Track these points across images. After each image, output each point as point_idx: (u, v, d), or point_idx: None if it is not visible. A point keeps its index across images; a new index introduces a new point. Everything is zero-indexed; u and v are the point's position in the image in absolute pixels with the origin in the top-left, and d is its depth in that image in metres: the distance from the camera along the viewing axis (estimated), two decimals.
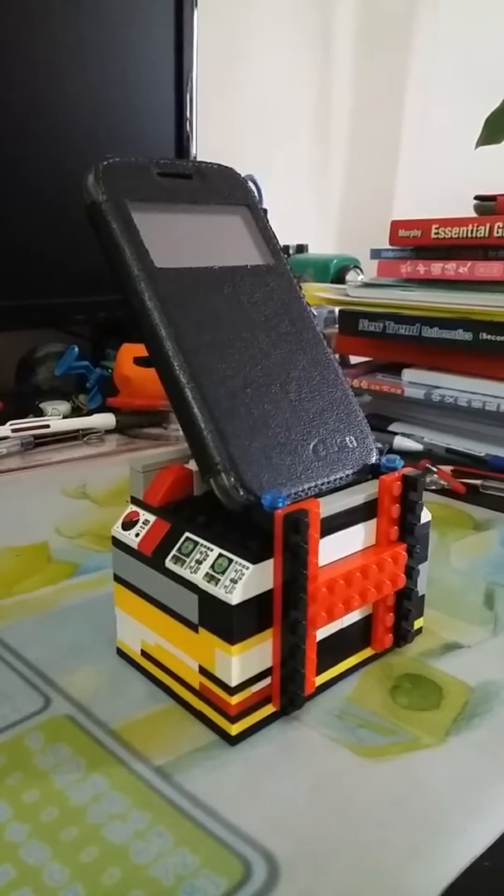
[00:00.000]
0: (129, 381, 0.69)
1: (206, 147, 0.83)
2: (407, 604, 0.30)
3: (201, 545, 0.26)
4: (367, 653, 0.30)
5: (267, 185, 0.90)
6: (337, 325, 0.72)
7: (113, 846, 0.21)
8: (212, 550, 0.25)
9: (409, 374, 0.64)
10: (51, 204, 0.71)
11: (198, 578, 0.25)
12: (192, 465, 0.29)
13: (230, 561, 0.25)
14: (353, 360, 0.76)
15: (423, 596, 0.32)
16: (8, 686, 0.29)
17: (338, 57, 1.14)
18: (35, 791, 0.23)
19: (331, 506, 0.27)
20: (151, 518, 0.28)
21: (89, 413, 0.69)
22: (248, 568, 0.24)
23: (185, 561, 0.26)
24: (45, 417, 0.65)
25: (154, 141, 0.78)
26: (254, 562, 0.24)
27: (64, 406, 0.70)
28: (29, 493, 0.52)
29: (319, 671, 0.27)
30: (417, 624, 0.32)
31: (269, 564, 0.25)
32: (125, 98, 0.75)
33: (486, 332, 0.58)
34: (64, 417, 0.66)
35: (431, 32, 1.15)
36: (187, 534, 0.27)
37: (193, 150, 0.81)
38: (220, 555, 0.25)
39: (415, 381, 0.64)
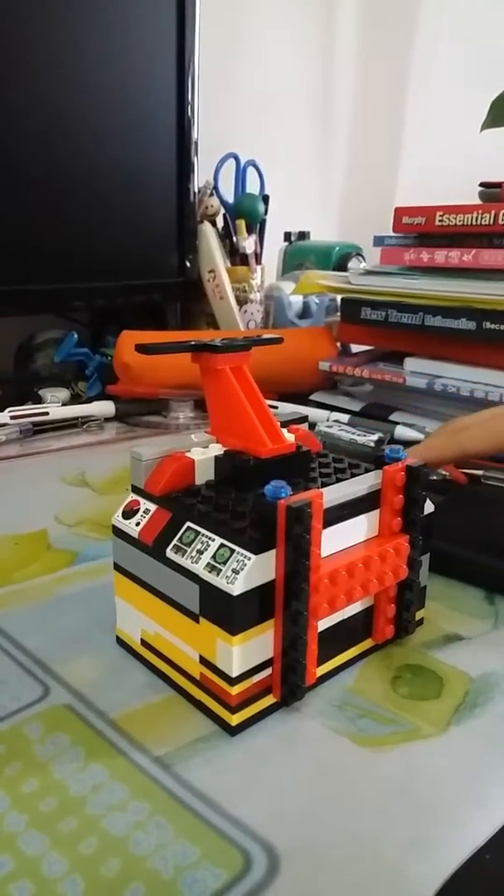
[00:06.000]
0: (129, 369, 0.69)
1: (208, 132, 0.82)
2: (409, 595, 0.30)
3: (203, 535, 0.26)
4: (367, 644, 0.30)
5: (268, 171, 0.89)
6: (338, 314, 0.71)
7: (112, 837, 0.21)
8: (213, 540, 0.25)
9: (411, 364, 0.64)
10: (51, 188, 0.71)
11: (199, 568, 0.25)
12: (194, 454, 0.29)
13: (232, 551, 0.24)
14: (355, 348, 0.75)
15: (425, 587, 0.32)
16: (6, 674, 0.28)
17: (340, 42, 1.13)
18: (34, 781, 0.23)
19: (334, 496, 0.26)
20: (152, 507, 0.28)
21: (88, 400, 0.69)
22: (249, 558, 0.24)
23: (186, 551, 0.26)
24: (44, 404, 0.65)
25: (156, 126, 0.77)
26: (256, 552, 0.24)
27: (63, 393, 0.70)
28: (28, 481, 0.51)
29: (320, 662, 0.27)
30: (419, 615, 0.32)
31: (271, 555, 0.24)
32: (127, 83, 0.74)
33: (490, 321, 0.57)
34: (63, 405, 0.66)
35: (435, 16, 1.13)
36: (188, 523, 0.26)
37: (195, 136, 0.80)
38: (222, 545, 0.25)
39: (417, 370, 0.63)
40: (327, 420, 0.62)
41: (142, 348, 0.29)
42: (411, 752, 0.25)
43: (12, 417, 0.61)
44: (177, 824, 0.21)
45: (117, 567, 0.29)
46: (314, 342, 0.72)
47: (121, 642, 0.30)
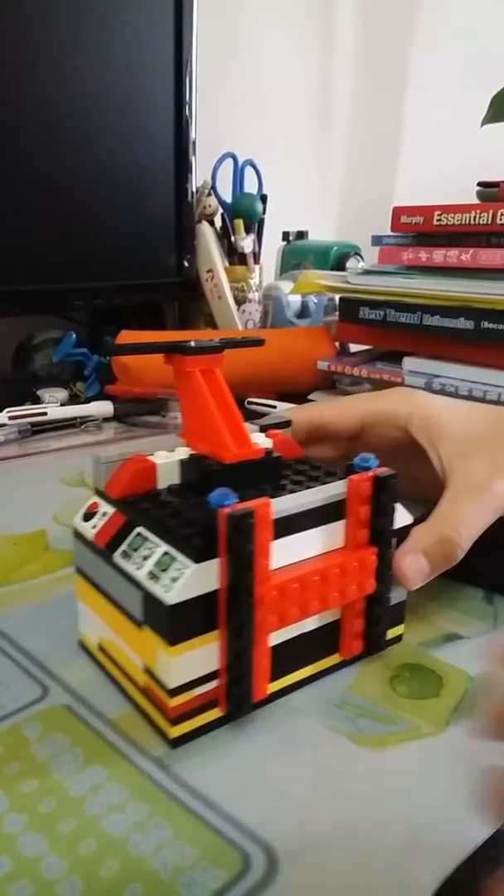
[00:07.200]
0: (128, 369, 0.68)
1: (206, 132, 0.82)
2: (377, 610, 0.28)
3: (150, 541, 0.25)
4: (334, 659, 0.28)
5: (266, 170, 0.89)
6: (337, 313, 0.71)
7: (111, 838, 0.21)
8: (159, 547, 0.24)
9: (409, 363, 0.64)
10: (49, 188, 0.70)
11: (141, 575, 0.24)
12: (156, 458, 0.28)
13: (173, 559, 0.24)
14: (353, 348, 0.75)
15: (404, 602, 0.30)
16: (5, 675, 0.28)
17: (339, 41, 1.12)
18: (33, 781, 0.23)
19: (285, 505, 0.25)
20: (110, 510, 0.27)
21: (87, 400, 0.69)
22: (188, 567, 0.23)
23: (131, 556, 0.25)
24: (43, 405, 0.65)
25: (153, 126, 0.77)
26: (196, 561, 0.23)
27: (61, 393, 0.70)
28: (26, 481, 0.51)
29: (276, 676, 0.26)
30: (396, 632, 0.30)
31: (213, 564, 0.23)
32: (124, 82, 0.73)
33: (488, 320, 0.57)
34: (61, 405, 0.66)
35: (435, 15, 1.13)
36: (139, 528, 0.25)
37: (193, 135, 0.80)
38: (165, 552, 0.24)
39: (415, 369, 0.63)
40: None
41: (116, 349, 0.28)
42: (410, 751, 0.25)
43: (11, 418, 0.61)
44: (175, 825, 0.21)
45: (78, 570, 0.28)
46: (312, 342, 0.72)
47: (83, 647, 0.30)
